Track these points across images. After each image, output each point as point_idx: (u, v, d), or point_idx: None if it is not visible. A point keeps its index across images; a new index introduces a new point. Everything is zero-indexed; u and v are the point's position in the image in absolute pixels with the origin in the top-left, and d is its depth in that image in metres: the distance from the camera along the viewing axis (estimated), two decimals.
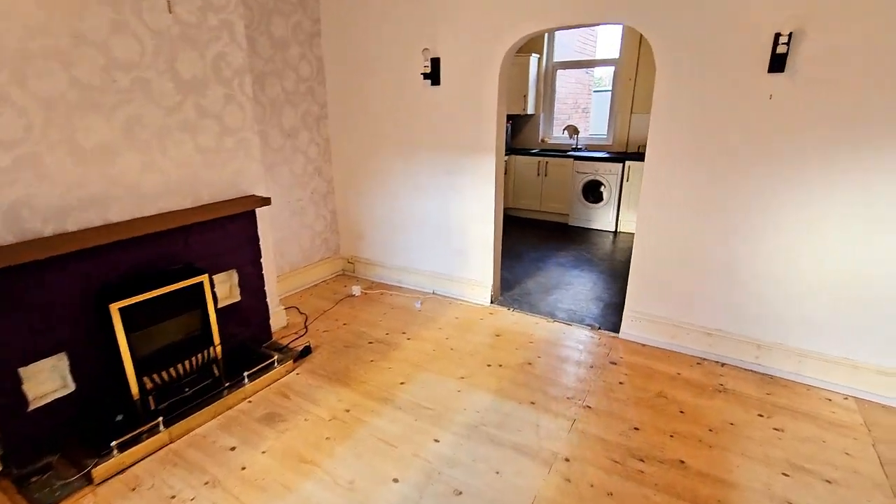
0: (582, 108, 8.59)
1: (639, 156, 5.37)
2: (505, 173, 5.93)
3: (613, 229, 5.55)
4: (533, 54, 5.88)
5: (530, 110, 6.09)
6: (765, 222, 2.48)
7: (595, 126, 8.97)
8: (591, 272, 4.31)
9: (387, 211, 3.82)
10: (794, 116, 2.29)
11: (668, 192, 2.71)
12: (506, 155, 5.93)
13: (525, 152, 6.00)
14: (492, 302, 3.57)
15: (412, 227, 3.74)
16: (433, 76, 3.25)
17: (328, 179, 3.95)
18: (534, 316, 3.37)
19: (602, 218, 5.58)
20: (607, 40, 8.45)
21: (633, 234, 5.39)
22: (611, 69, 5.94)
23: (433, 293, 3.74)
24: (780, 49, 2.22)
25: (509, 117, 6.32)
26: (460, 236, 3.53)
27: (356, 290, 3.74)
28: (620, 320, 3.07)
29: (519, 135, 6.53)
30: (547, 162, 5.82)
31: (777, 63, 2.26)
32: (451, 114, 3.29)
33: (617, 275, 4.19)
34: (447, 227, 3.57)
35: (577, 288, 3.92)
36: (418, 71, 3.30)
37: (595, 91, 8.81)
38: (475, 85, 3.17)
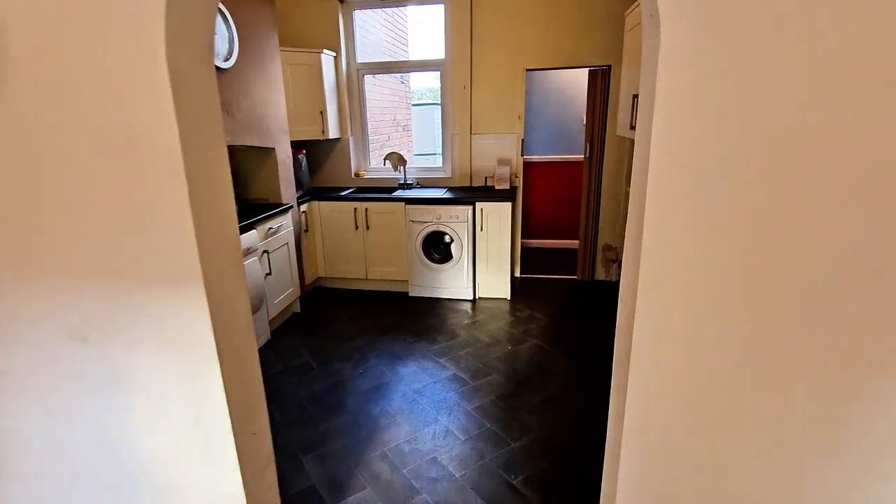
0: (403, 126, 7.00)
1: (490, 192, 3.87)
2: (306, 230, 3.87)
3: (471, 297, 3.96)
4: (325, 51, 3.95)
5: (332, 132, 4.14)
6: None
7: (419, 147, 7.44)
8: (456, 388, 2.56)
9: None
10: None
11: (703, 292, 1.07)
12: (304, 201, 3.87)
13: (333, 195, 4.03)
14: None
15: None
16: None
17: None
18: None
19: (454, 282, 3.95)
20: (424, 39, 7.00)
21: (500, 299, 3.90)
22: (435, 76, 4.37)
23: None
24: None
25: (302, 146, 4.26)
26: None
27: None
28: None
29: (321, 170, 4.53)
30: (367, 209, 3.94)
31: None
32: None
33: (514, 389, 2.52)
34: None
35: (433, 447, 2.12)
36: None
37: (415, 105, 7.30)
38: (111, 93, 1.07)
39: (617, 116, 3.91)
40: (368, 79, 4.56)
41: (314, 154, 4.50)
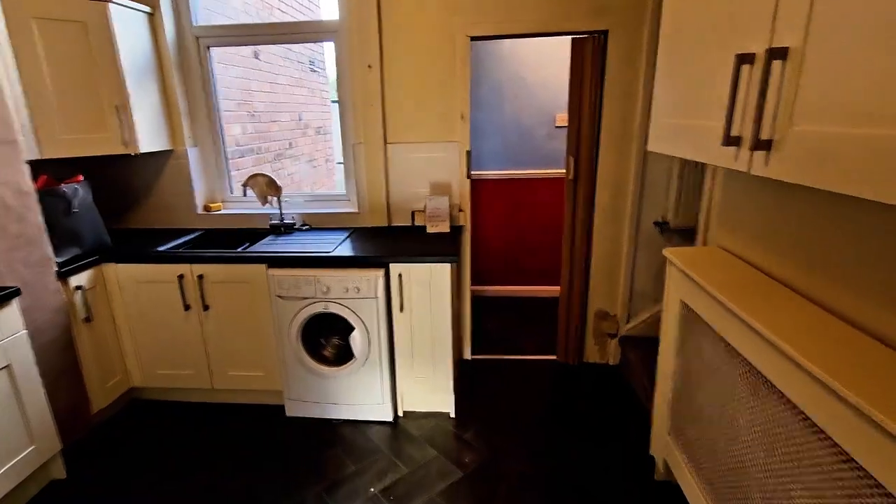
0: (318, 129, 5.31)
1: (418, 238, 2.29)
2: (87, 319, 2.15)
3: (390, 415, 2.36)
4: (119, 3, 2.24)
5: (147, 143, 2.43)
6: None
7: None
8: None
9: None
10: None
11: None
12: (85, 266, 2.15)
13: (147, 252, 2.31)
14: None
15: None
16: None
17: None
18: None
19: (360, 394, 2.33)
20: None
21: (438, 415, 2.32)
22: (310, 48, 2.75)
23: None
24: None
25: (87, 165, 2.53)
26: None
27: None
28: None
29: (138, 205, 2.79)
30: (201, 275, 2.26)
31: None
32: None
33: None
34: None
35: None
36: None
37: (334, 102, 5.63)
38: None
39: (631, 117, 2.44)
40: (220, 52, 2.87)
41: (121, 180, 2.75)
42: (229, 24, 2.74)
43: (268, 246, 2.37)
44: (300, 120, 4.90)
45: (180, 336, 2.34)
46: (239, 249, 2.33)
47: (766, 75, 0.98)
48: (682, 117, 1.41)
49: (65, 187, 2.13)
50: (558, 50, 3.29)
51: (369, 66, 2.47)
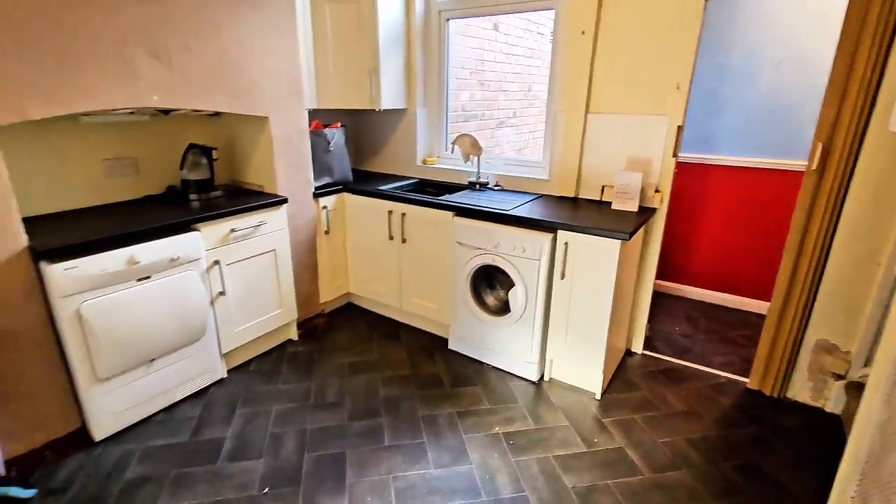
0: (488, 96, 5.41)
1: (599, 213, 2.23)
2: (326, 231, 2.86)
3: (536, 376, 2.45)
4: None
5: (388, 101, 2.98)
6: None
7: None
8: None
9: None
10: None
11: None
12: (331, 191, 2.85)
13: (370, 189, 2.89)
14: None
15: None
16: None
17: None
18: None
19: (511, 347, 2.48)
20: None
21: (583, 392, 2.31)
22: (548, 17, 2.80)
23: None
24: None
25: (349, 117, 3.24)
26: None
27: None
28: None
29: (376, 152, 3.43)
30: (404, 214, 2.72)
31: None
32: None
33: None
34: None
35: None
36: None
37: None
38: None
39: None
40: (455, 23, 3.22)
41: (367, 130, 3.42)
42: None
43: (459, 198, 2.66)
44: (529, 90, 5.09)
45: (383, 260, 2.89)
46: (437, 198, 2.70)
47: None
48: None
49: (327, 131, 2.83)
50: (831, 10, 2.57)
51: (582, 33, 2.44)
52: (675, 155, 2.41)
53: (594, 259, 2.15)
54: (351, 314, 3.12)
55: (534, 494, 1.74)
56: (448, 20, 3.03)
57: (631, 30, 2.34)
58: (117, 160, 2.30)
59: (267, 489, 1.74)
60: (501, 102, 4.58)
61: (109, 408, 1.95)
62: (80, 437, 1.94)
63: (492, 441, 2.01)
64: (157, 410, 2.12)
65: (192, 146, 2.40)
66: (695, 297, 3.47)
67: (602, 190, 2.61)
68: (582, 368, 2.35)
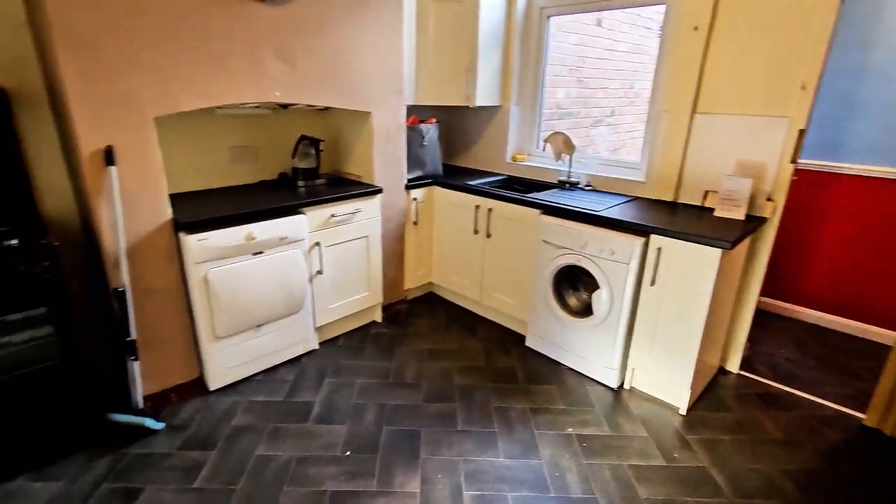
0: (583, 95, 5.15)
1: (699, 220, 2.11)
2: (415, 222, 3.00)
3: (615, 383, 2.38)
4: None
5: (482, 98, 3.03)
6: None
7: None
8: None
9: None
10: None
11: None
12: (421, 185, 2.98)
13: (458, 183, 2.97)
14: None
15: None
16: None
17: None
18: None
19: (591, 350, 2.43)
20: None
21: (665, 406, 2.22)
22: (658, 11, 2.67)
23: None
24: None
25: (442, 113, 3.34)
26: None
27: None
28: None
29: (466, 147, 3.50)
30: (490, 209, 2.76)
31: None
32: None
33: None
34: None
35: None
36: None
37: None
38: None
39: None
40: (556, 20, 3.17)
41: (459, 126, 3.50)
42: None
43: (547, 196, 2.65)
44: (631, 88, 4.88)
45: (467, 253, 2.96)
46: (525, 195, 2.71)
47: None
48: None
49: (422, 126, 2.95)
50: None
51: (695, 28, 2.31)
52: (794, 161, 2.20)
53: (690, 267, 2.04)
54: (432, 303, 3.24)
55: (604, 499, 1.71)
56: (549, 17, 3.01)
57: (751, 26, 2.17)
58: (241, 148, 2.60)
59: (349, 452, 1.90)
60: (599, 100, 4.44)
61: (223, 363, 2.23)
62: (198, 386, 2.25)
63: (564, 440, 2.00)
64: (259, 371, 2.39)
65: (303, 137, 2.64)
66: (808, 319, 3.13)
67: (705, 195, 2.45)
68: (667, 381, 2.24)
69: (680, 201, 2.55)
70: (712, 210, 2.38)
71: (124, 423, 1.94)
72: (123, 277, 1.88)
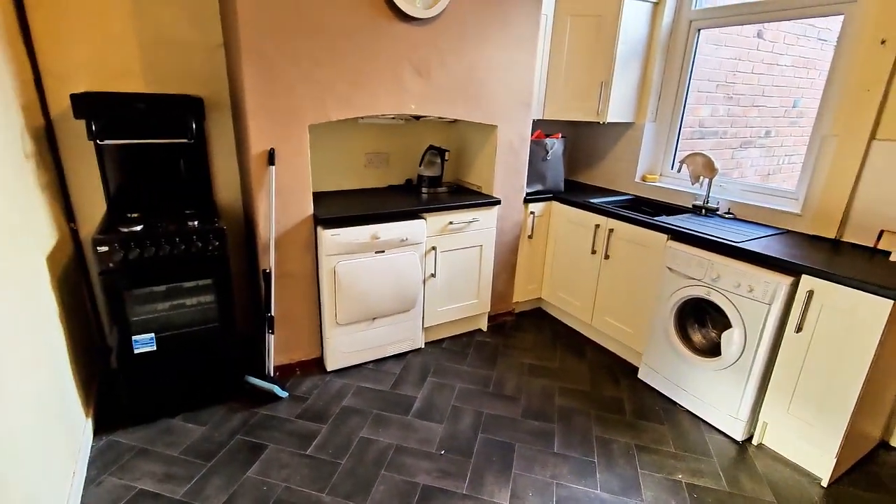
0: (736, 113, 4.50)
1: (867, 262, 1.79)
2: (530, 236, 2.99)
3: (740, 435, 2.11)
4: None
5: (614, 114, 2.92)
6: None
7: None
8: None
9: None
10: None
11: None
12: (540, 199, 2.97)
13: (579, 200, 2.88)
14: None
15: None
16: None
17: None
18: None
19: (713, 392, 2.19)
20: None
21: (802, 472, 1.93)
22: (833, 25, 2.33)
23: None
24: None
25: (565, 127, 3.27)
26: None
27: None
28: None
29: (591, 164, 3.37)
30: (611, 229, 2.64)
31: None
32: None
33: None
34: None
35: None
36: None
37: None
38: None
39: None
40: (706, 33, 2.93)
41: (585, 141, 3.39)
42: (728, 5, 2.75)
43: (679, 221, 2.46)
44: (794, 107, 4.30)
45: (581, 273, 2.86)
46: (653, 218, 2.54)
47: None
48: None
49: (547, 140, 2.94)
50: None
51: (882, 42, 1.97)
52: None
53: (849, 317, 1.74)
54: (538, 319, 3.19)
55: None
56: (700, 30, 2.80)
57: None
58: (376, 154, 2.83)
59: (443, 451, 1.96)
60: (752, 119, 3.98)
61: (340, 348, 2.45)
62: (318, 365, 2.50)
63: (672, 486, 1.83)
64: (369, 360, 2.57)
65: (430, 147, 2.80)
66: None
67: (879, 235, 2.08)
68: (808, 444, 1.92)
69: (844, 239, 2.19)
70: (888, 254, 2.00)
71: (258, 386, 2.23)
72: (271, 261, 2.17)
